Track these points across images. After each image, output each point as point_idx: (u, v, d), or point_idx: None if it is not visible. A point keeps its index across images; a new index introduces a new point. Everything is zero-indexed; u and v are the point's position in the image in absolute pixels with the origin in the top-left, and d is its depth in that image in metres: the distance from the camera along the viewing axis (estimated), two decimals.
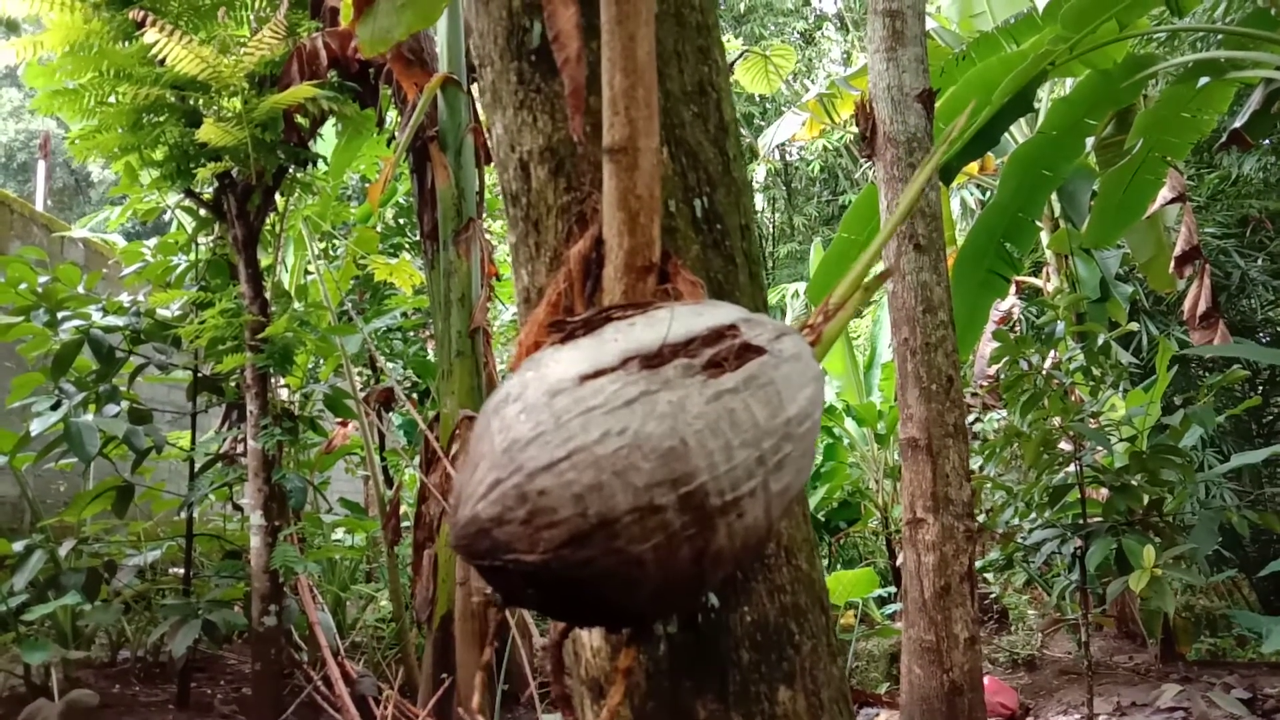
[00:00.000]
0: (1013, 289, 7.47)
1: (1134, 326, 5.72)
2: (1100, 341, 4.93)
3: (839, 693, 0.93)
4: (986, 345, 7.12)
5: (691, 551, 0.67)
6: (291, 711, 4.33)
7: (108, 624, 4.79)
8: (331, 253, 6.34)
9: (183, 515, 4.89)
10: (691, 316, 0.73)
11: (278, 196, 4.65)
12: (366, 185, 7.21)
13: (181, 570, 4.94)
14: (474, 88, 4.77)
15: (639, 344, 0.70)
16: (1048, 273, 7.33)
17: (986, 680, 5.24)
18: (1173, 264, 6.11)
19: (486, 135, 1.02)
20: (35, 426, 4.19)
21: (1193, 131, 5.09)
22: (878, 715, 5.38)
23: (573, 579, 0.67)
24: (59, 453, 4.41)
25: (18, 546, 4.27)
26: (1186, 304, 6.33)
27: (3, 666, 4.65)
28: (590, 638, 0.89)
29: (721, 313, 0.75)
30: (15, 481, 4.85)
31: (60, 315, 4.34)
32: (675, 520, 0.66)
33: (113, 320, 4.42)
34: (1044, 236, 7.01)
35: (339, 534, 6.29)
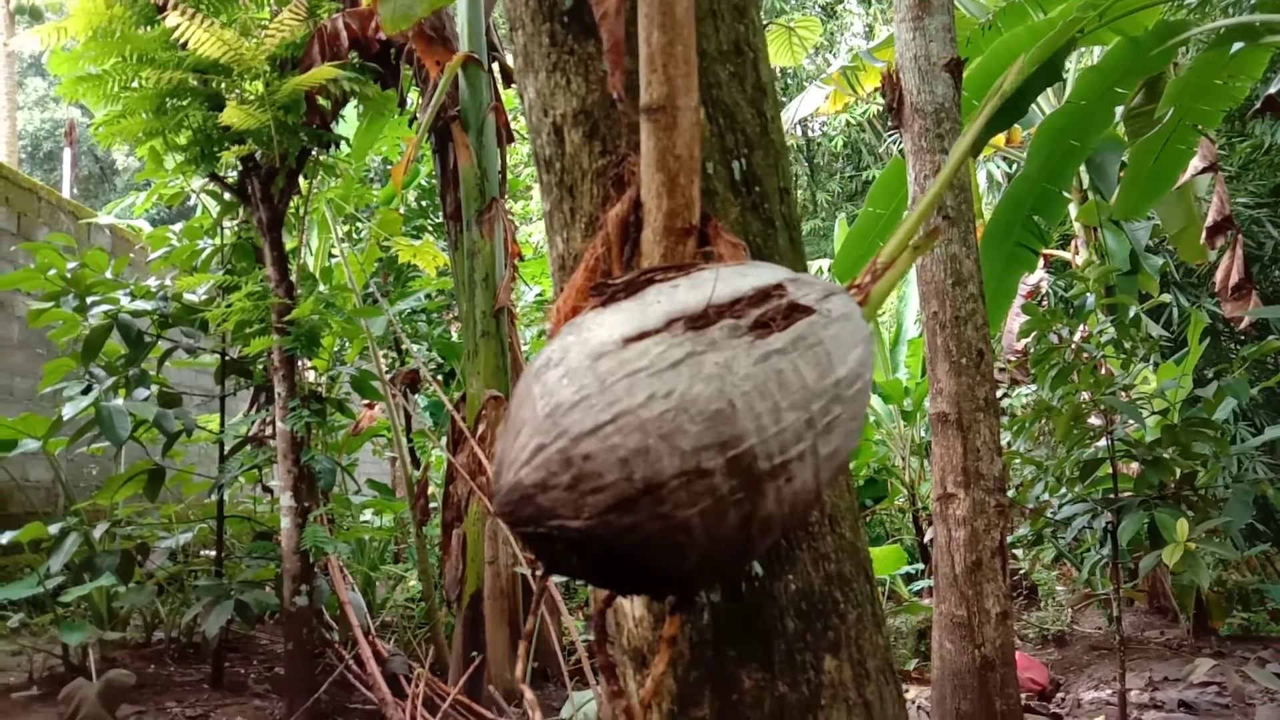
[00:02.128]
0: (1041, 262, 7.38)
1: (1165, 299, 5.64)
2: (1131, 314, 4.87)
3: (884, 662, 0.92)
4: (1015, 319, 7.05)
5: (739, 516, 0.65)
6: (324, 690, 4.37)
7: (142, 605, 4.85)
8: (355, 235, 6.34)
9: (213, 498, 4.93)
10: (736, 277, 0.72)
11: (301, 179, 4.65)
12: (389, 167, 7.22)
13: (213, 551, 4.98)
14: (494, 66, 4.75)
15: (683, 305, 0.69)
16: (1076, 245, 7.24)
17: (1017, 656, 5.22)
18: (1204, 235, 6.01)
19: (519, 100, 1.00)
20: (67, 411, 4.23)
21: (1225, 99, 4.99)
22: (907, 691, 5.38)
23: (618, 545, 0.65)
24: (90, 437, 4.46)
25: (53, 530, 4.32)
26: (1218, 275, 6.23)
27: (42, 647, 4.72)
28: (632, 607, 0.88)
29: (767, 272, 0.73)
30: (49, 466, 4.90)
31: (89, 301, 4.37)
32: (723, 484, 0.64)
33: (140, 305, 4.45)
34: (1072, 209, 6.92)
35: (367, 515, 6.33)
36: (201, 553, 5.44)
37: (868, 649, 0.89)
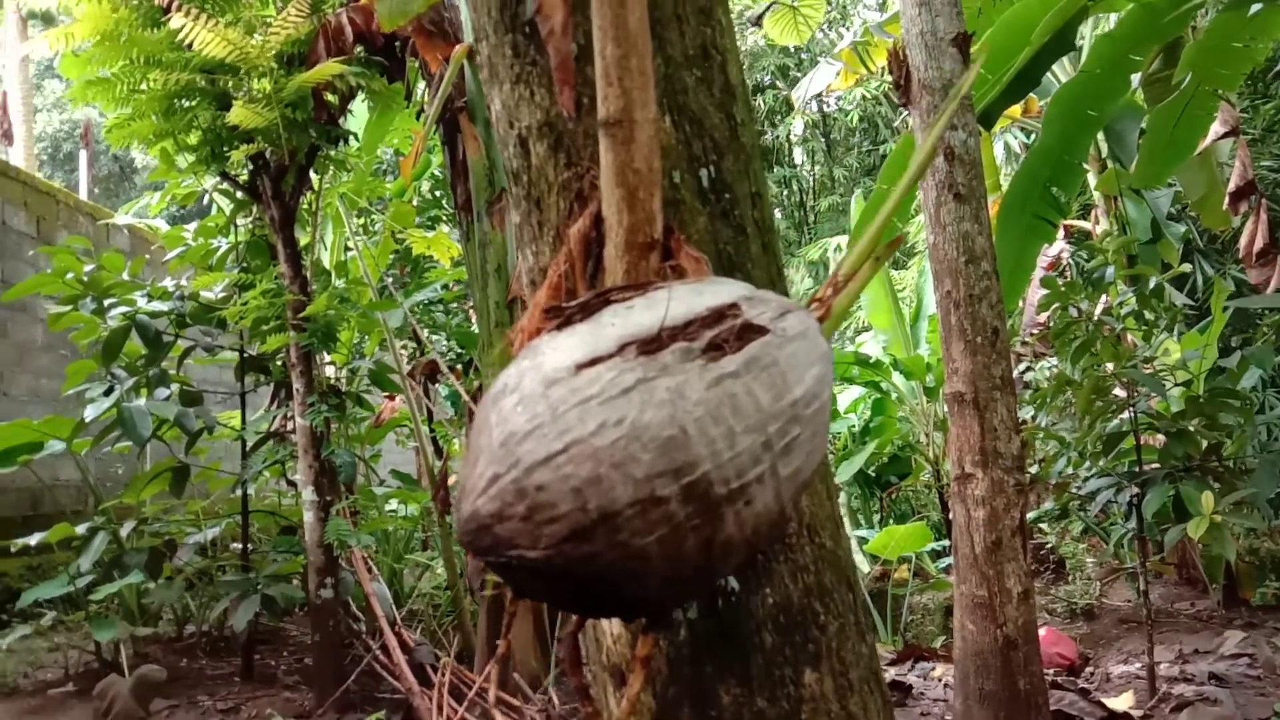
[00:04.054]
0: (1060, 233, 7.28)
1: (1187, 268, 5.55)
2: (1152, 285, 4.79)
3: (869, 671, 0.91)
4: (1035, 292, 6.97)
5: (698, 541, 0.65)
6: (352, 680, 4.42)
7: (171, 601, 4.92)
8: (370, 228, 6.36)
9: (238, 493, 4.99)
10: (692, 296, 0.71)
11: (312, 174, 4.66)
12: (401, 158, 7.22)
13: (241, 545, 5.05)
14: None
15: (637, 328, 0.68)
16: (1096, 215, 7.14)
17: (1044, 631, 5.19)
18: (1227, 200, 5.91)
19: (488, 110, 0.99)
20: (89, 413, 4.29)
21: (1245, 61, 4.88)
22: (934, 669, 5.36)
23: (578, 573, 0.65)
24: (114, 437, 4.51)
25: (81, 529, 4.39)
26: (1242, 241, 6.12)
27: (75, 643, 4.81)
28: (610, 625, 0.88)
29: (723, 290, 0.72)
30: (77, 466, 4.97)
31: (107, 303, 4.42)
32: (679, 511, 0.64)
33: (157, 306, 4.49)
34: (1091, 178, 6.81)
35: (392, 505, 6.38)
36: (230, 546, 5.51)
37: (850, 660, 0.89)
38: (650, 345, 0.66)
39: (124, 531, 4.53)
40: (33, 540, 4.43)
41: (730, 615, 0.83)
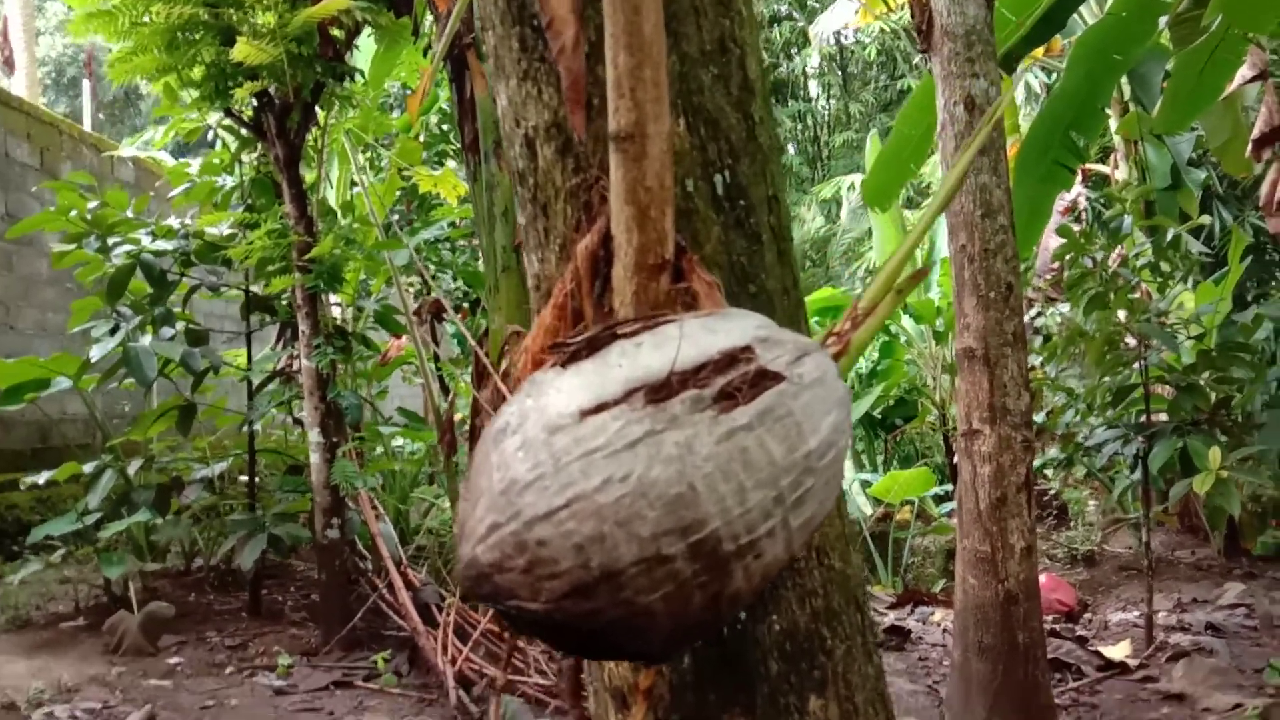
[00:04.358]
0: (1078, 177, 7.15)
1: (1206, 219, 5.44)
2: (1170, 236, 4.71)
3: (874, 693, 0.90)
4: (1050, 238, 6.87)
5: (705, 597, 0.63)
6: (358, 618, 4.48)
7: (179, 537, 4.97)
8: (376, 163, 6.27)
9: (245, 431, 5.00)
10: (704, 335, 0.67)
11: (318, 110, 4.58)
12: (409, 92, 7.09)
13: (247, 483, 5.08)
14: None
15: (645, 371, 0.64)
16: (1115, 159, 7.01)
17: (1044, 577, 5.22)
18: (1250, 147, 5.77)
19: (493, 104, 0.95)
20: (95, 353, 4.28)
21: (1278, 3, 4.72)
22: (933, 614, 5.42)
23: (579, 627, 0.63)
24: (121, 374, 4.51)
25: (89, 468, 4.41)
26: (1264, 189, 5.99)
27: (85, 577, 4.88)
28: None
29: (737, 329, 0.69)
30: (84, 402, 4.99)
31: (111, 241, 4.38)
32: (686, 569, 0.61)
33: (162, 244, 4.45)
34: (1112, 121, 6.66)
35: (399, 442, 6.40)
36: (239, 478, 5.53)
37: (856, 683, 0.87)
38: (659, 393, 0.63)
39: (132, 469, 4.56)
40: (41, 479, 4.46)
41: (736, 644, 0.82)
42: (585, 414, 0.63)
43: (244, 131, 4.55)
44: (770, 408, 0.65)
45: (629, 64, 0.71)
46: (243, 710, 3.63)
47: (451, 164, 6.86)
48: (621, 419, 0.62)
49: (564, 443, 0.62)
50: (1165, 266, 4.74)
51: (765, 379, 0.66)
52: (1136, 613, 5.09)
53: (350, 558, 4.71)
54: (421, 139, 6.33)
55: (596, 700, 0.88)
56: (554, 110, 0.85)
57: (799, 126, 17.14)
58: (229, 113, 4.43)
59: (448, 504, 5.87)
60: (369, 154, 6.08)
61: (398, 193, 6.02)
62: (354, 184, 5.80)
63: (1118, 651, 4.49)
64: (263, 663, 4.16)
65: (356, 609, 4.52)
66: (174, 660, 4.07)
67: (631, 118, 0.72)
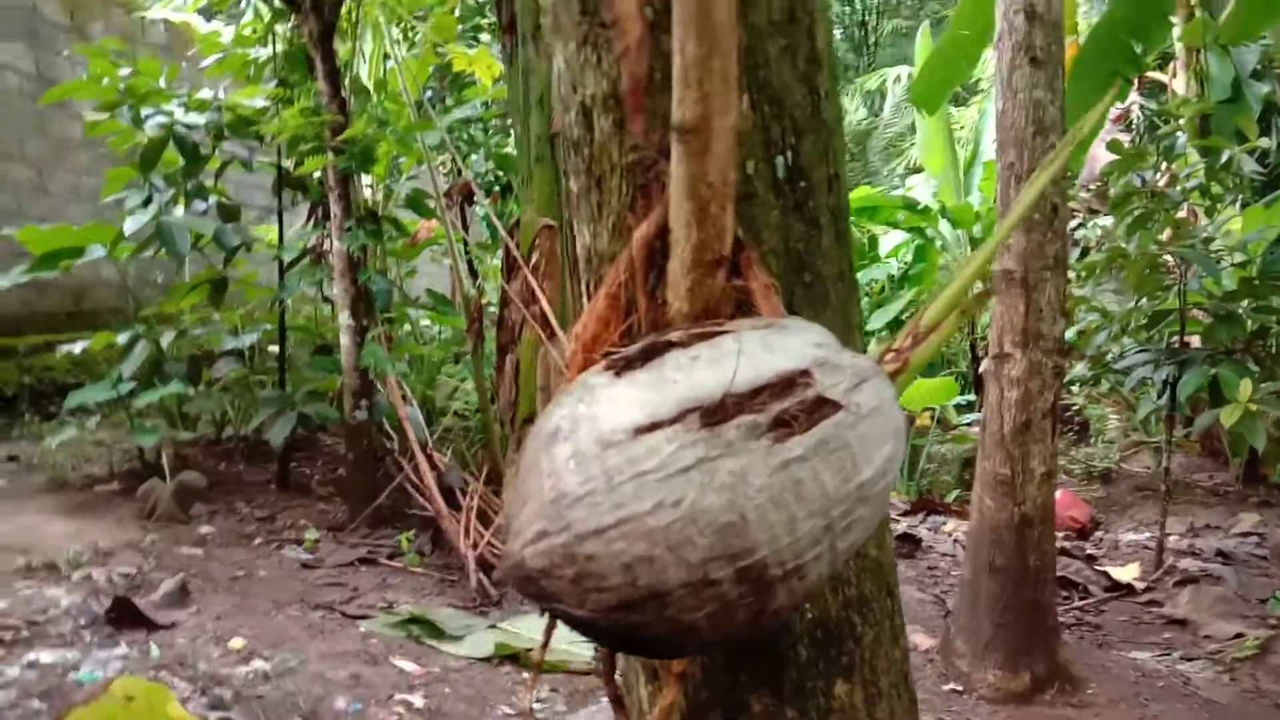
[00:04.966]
0: (1134, 84, 6.88)
1: (1264, 142, 5.24)
2: (1225, 158, 4.55)
3: (899, 676, 0.92)
4: (1099, 148, 6.66)
5: (748, 614, 0.63)
6: (384, 497, 4.60)
7: (210, 409, 5.07)
8: (410, 35, 6.10)
9: (275, 309, 5.04)
10: (762, 352, 0.66)
11: None
12: None
13: (277, 359, 5.14)
14: None
15: (700, 391, 0.64)
16: (1174, 67, 6.73)
17: (1059, 494, 5.25)
18: None
19: (548, 65, 0.91)
20: (129, 225, 4.29)
21: None
22: (945, 523, 5.50)
23: (623, 636, 0.64)
24: (155, 246, 4.53)
25: (122, 338, 4.47)
26: None
27: (119, 440, 5.01)
28: None
29: (795, 347, 0.67)
30: (117, 270, 5.02)
31: (144, 112, 4.33)
32: (731, 591, 0.62)
33: (195, 117, 4.40)
34: (1175, 28, 6.36)
35: (426, 324, 6.44)
36: (269, 348, 5.58)
37: (882, 668, 0.89)
38: (714, 416, 0.62)
39: (164, 340, 4.62)
40: (76, 348, 4.54)
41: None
42: (639, 431, 0.63)
43: (277, 2, 4.43)
44: (826, 439, 0.64)
45: (698, 53, 0.68)
46: (271, 582, 3.77)
47: (485, 38, 6.68)
48: (676, 441, 0.62)
49: (617, 461, 0.62)
50: (1216, 189, 4.60)
51: (823, 407, 0.65)
52: (1148, 534, 5.15)
53: (378, 438, 4.81)
54: (457, 13, 6.14)
55: (628, 668, 0.91)
56: (613, 81, 0.81)
57: (846, 10, 16.49)
58: None
59: (473, 388, 5.94)
60: (404, 26, 5.93)
61: (431, 69, 5.88)
62: (387, 57, 5.67)
63: (1126, 573, 4.56)
64: (290, 536, 4.30)
65: (382, 488, 4.64)
66: (205, 529, 4.21)
67: (698, 111, 0.69)
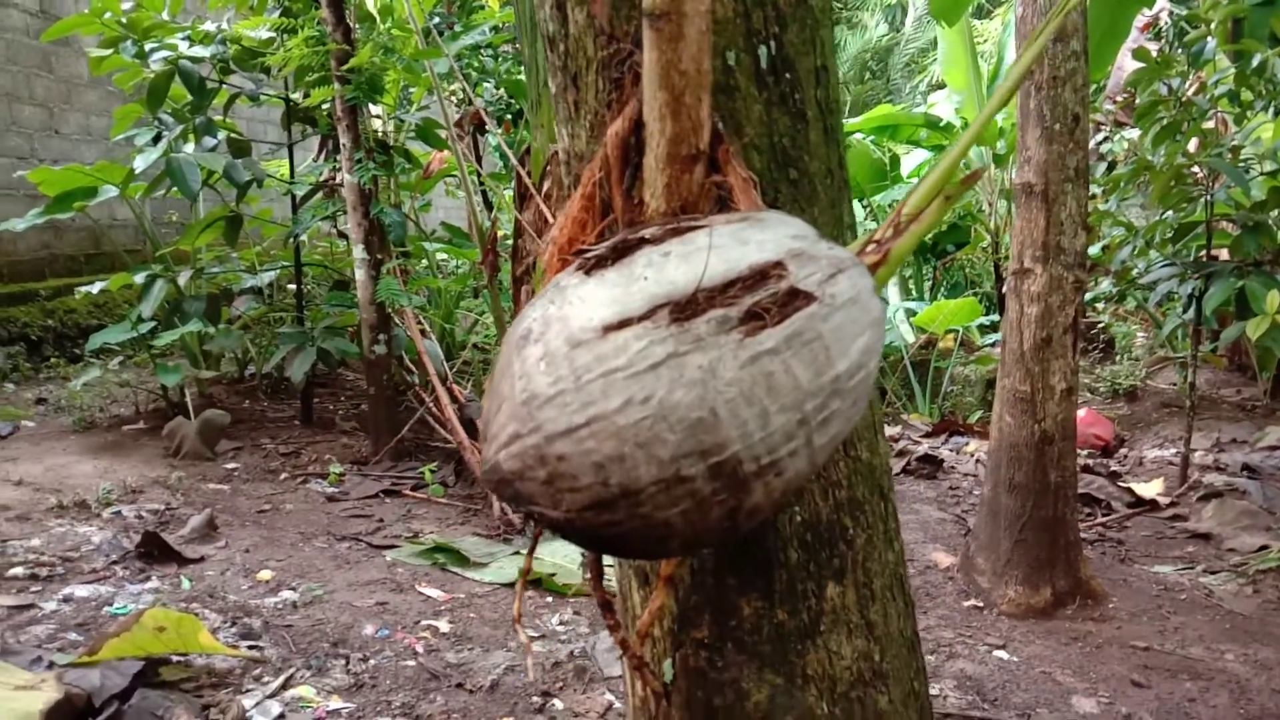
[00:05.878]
0: None
1: None
2: (1256, 62, 4.40)
3: (893, 578, 0.91)
4: (1125, 58, 6.45)
5: (724, 511, 0.62)
6: (406, 430, 4.64)
7: (231, 347, 5.10)
8: None
9: (290, 244, 5.03)
10: (735, 245, 0.63)
11: None
12: None
13: (295, 295, 5.15)
14: None
15: (670, 287, 0.61)
16: None
17: (1083, 411, 5.22)
18: None
19: None
20: (138, 164, 4.27)
21: None
22: (967, 444, 5.48)
23: (599, 535, 0.63)
24: (167, 184, 4.52)
25: (139, 278, 4.49)
26: None
27: (143, 380, 5.06)
28: None
29: (770, 240, 0.65)
30: (132, 210, 5.03)
31: (148, 46, 4.28)
32: (705, 488, 0.60)
33: (199, 50, 4.34)
34: None
35: (442, 257, 6.42)
36: (287, 285, 5.60)
37: (875, 569, 0.88)
38: (684, 311, 0.60)
39: (182, 279, 4.63)
40: (95, 288, 4.56)
41: (755, 532, 0.82)
42: (608, 329, 0.61)
43: None
44: (799, 331, 0.62)
45: None
46: (297, 515, 3.82)
47: None
48: (645, 338, 0.60)
49: (585, 359, 0.60)
50: (1246, 95, 4.45)
51: (796, 299, 0.62)
52: (1173, 450, 5.11)
53: (398, 371, 4.83)
54: None
55: (620, 574, 0.90)
56: None
57: None
58: None
59: (491, 320, 5.94)
60: None
61: None
62: None
63: (1150, 489, 4.54)
64: (315, 470, 4.35)
65: (404, 421, 4.67)
66: (231, 465, 4.27)
67: None
